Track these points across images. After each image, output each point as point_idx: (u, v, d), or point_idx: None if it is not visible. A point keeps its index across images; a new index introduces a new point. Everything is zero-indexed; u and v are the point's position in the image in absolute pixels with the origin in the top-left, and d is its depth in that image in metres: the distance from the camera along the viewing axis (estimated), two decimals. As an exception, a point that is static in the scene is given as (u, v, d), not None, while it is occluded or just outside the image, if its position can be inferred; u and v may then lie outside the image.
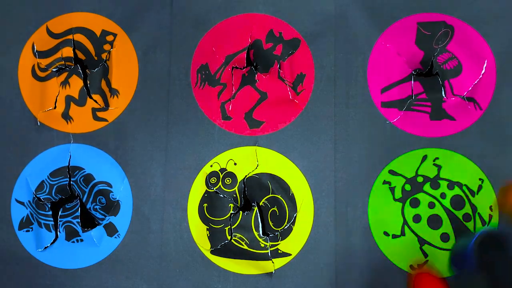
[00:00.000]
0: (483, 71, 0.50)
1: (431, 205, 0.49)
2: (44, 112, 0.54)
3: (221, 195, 0.52)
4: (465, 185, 0.49)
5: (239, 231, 0.51)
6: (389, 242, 0.50)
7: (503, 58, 0.50)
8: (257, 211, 0.51)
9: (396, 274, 0.50)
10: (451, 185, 0.50)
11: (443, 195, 0.49)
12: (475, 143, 0.50)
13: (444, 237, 0.49)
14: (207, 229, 0.52)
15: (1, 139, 0.54)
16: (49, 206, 0.53)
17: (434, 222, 0.50)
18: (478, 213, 0.49)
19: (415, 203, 0.50)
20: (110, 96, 0.54)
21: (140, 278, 0.52)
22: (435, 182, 0.50)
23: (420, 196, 0.50)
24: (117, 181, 0.53)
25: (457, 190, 0.49)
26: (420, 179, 0.50)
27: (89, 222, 0.54)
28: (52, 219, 0.53)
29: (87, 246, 0.52)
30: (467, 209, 0.49)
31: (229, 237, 0.51)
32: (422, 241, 0.49)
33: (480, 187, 0.50)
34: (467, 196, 0.49)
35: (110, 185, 0.53)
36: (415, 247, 0.49)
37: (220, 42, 0.53)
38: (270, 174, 0.52)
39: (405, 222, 0.50)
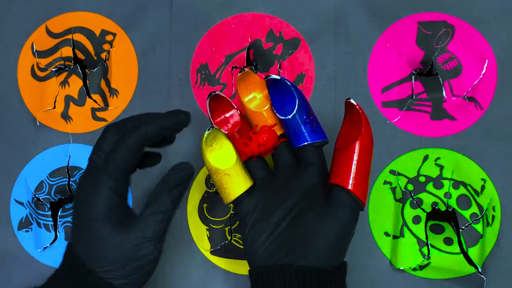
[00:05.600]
0: (483, 71, 0.50)
1: (434, 205, 0.49)
2: (44, 112, 0.53)
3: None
4: (469, 184, 0.49)
5: (239, 231, 0.51)
6: (389, 243, 0.50)
7: (504, 57, 0.50)
8: (257, 211, 0.51)
9: (396, 274, 0.49)
10: (456, 184, 0.49)
11: (447, 195, 0.49)
12: (477, 143, 0.50)
13: (447, 240, 0.49)
14: (207, 230, 0.52)
15: (0, 139, 0.54)
16: (49, 206, 0.53)
17: (436, 225, 0.50)
18: (486, 214, 0.49)
19: (418, 203, 0.49)
20: (110, 96, 0.54)
21: (139, 278, 0.51)
22: (438, 182, 0.50)
23: (423, 195, 0.50)
24: (117, 181, 0.53)
25: (462, 190, 0.49)
26: (422, 179, 0.50)
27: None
28: (51, 219, 0.53)
29: (87, 247, 0.52)
30: (474, 208, 0.49)
31: (229, 238, 0.51)
32: (421, 243, 0.49)
33: (483, 187, 0.49)
34: (472, 196, 0.49)
35: (109, 185, 0.53)
36: (415, 248, 0.49)
37: (220, 42, 0.53)
38: (270, 174, 0.51)
39: (404, 223, 0.50)
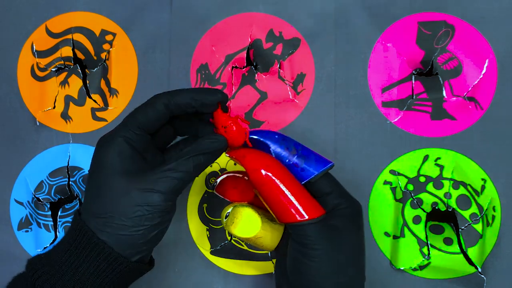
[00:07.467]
0: (483, 71, 0.50)
1: (434, 205, 0.49)
2: (43, 112, 0.53)
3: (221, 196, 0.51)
4: (469, 184, 0.49)
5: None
6: (389, 243, 0.50)
7: (504, 57, 0.50)
8: (257, 212, 0.51)
9: (396, 274, 0.49)
10: (456, 184, 0.49)
11: (447, 195, 0.49)
12: (477, 143, 0.50)
13: (447, 240, 0.49)
14: (207, 230, 0.52)
15: (0, 139, 0.54)
16: (49, 206, 0.53)
17: (435, 225, 0.50)
18: (486, 214, 0.49)
19: (418, 203, 0.49)
20: (110, 96, 0.54)
21: (139, 278, 0.51)
22: (438, 182, 0.50)
23: (423, 196, 0.50)
24: (117, 181, 0.53)
25: (462, 190, 0.49)
26: (422, 179, 0.50)
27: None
28: (51, 219, 0.53)
29: (87, 247, 0.52)
30: (474, 208, 0.49)
31: (229, 238, 0.51)
32: (421, 243, 0.49)
33: (483, 187, 0.49)
34: (472, 196, 0.49)
35: (109, 185, 0.52)
36: (415, 248, 0.49)
37: (220, 42, 0.53)
38: (270, 174, 0.51)
39: (404, 223, 0.50)
